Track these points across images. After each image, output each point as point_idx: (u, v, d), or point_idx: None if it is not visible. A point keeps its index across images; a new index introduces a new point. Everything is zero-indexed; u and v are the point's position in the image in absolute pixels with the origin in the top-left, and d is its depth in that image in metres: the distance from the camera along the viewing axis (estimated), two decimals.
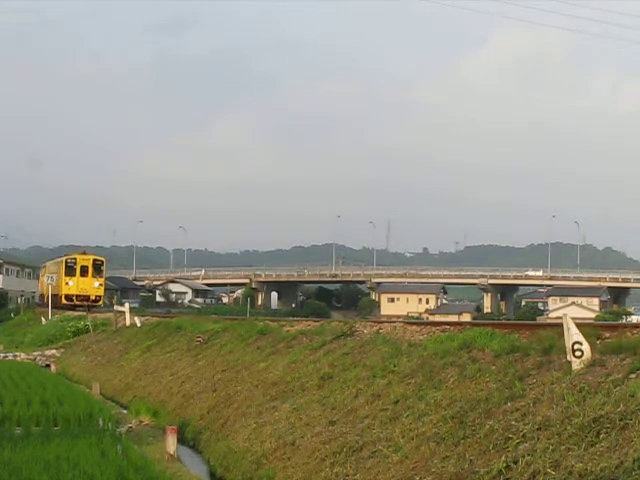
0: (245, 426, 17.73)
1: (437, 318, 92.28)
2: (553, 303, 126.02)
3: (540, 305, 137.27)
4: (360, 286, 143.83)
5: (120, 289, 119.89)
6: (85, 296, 68.33)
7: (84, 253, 73.42)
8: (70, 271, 68.87)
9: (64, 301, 67.54)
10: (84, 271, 68.82)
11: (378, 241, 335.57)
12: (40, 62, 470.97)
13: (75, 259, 70.18)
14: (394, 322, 21.62)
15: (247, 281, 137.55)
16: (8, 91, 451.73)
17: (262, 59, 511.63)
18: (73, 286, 68.40)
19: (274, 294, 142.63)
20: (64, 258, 71.69)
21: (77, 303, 67.36)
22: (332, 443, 13.77)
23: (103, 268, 71.28)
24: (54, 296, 64.87)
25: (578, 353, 11.21)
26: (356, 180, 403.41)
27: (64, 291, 68.36)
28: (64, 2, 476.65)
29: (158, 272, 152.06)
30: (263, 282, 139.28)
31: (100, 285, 69.83)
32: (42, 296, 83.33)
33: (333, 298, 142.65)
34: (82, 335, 47.73)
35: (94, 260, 70.74)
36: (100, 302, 69.96)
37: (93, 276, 68.88)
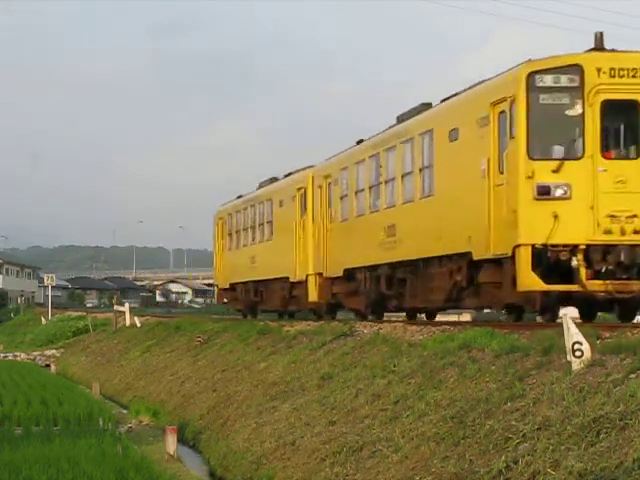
0: (245, 426, 17.73)
1: (437, 318, 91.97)
2: None
3: None
4: None
5: (120, 289, 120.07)
6: None
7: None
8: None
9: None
10: None
11: None
12: (40, 62, 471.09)
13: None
14: (394, 322, 21.60)
15: None
16: (8, 91, 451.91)
17: (262, 59, 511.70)
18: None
19: None
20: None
21: None
22: (332, 443, 13.77)
23: None
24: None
25: (578, 353, 11.20)
26: None
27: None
28: (64, 3, 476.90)
29: (158, 272, 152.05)
30: None
31: None
32: (233, 288, 35.71)
33: None
34: (82, 335, 47.74)
35: None
36: None
37: None
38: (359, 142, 24.56)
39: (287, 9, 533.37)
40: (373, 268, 22.57)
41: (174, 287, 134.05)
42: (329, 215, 25.79)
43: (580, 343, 11.25)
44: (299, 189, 27.95)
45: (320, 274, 26.17)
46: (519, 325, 17.02)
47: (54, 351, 44.55)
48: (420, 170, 20.23)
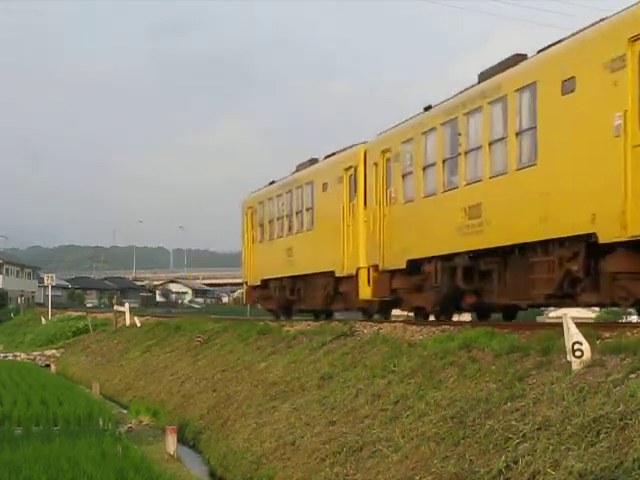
0: (245, 426, 17.73)
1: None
2: None
3: None
4: None
5: (120, 289, 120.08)
6: None
7: None
8: None
9: None
10: None
11: None
12: (40, 62, 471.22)
13: None
14: (394, 322, 21.59)
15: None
16: (8, 91, 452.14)
17: (262, 59, 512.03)
18: None
19: None
20: None
21: None
22: (332, 443, 13.77)
23: None
24: None
25: (578, 353, 11.20)
26: None
27: None
28: (64, 2, 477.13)
29: (158, 272, 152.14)
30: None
31: None
32: (265, 285, 31.86)
33: None
34: (82, 335, 47.78)
35: None
36: None
37: None
38: (427, 108, 20.61)
39: (287, 9, 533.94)
40: (447, 258, 18.99)
41: (174, 287, 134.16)
42: (387, 197, 21.86)
43: (580, 343, 11.25)
44: (347, 169, 24.23)
45: (375, 267, 22.57)
46: (519, 325, 17.01)
47: (54, 351, 44.56)
48: (517, 135, 16.48)
